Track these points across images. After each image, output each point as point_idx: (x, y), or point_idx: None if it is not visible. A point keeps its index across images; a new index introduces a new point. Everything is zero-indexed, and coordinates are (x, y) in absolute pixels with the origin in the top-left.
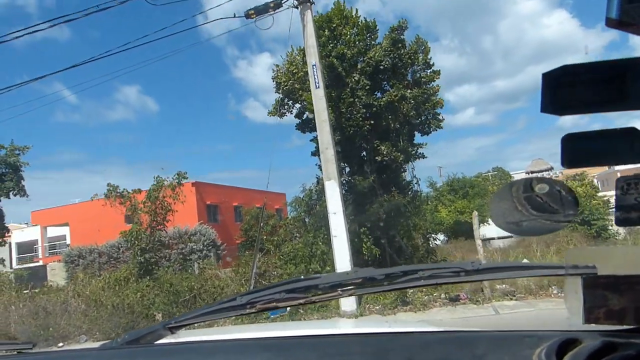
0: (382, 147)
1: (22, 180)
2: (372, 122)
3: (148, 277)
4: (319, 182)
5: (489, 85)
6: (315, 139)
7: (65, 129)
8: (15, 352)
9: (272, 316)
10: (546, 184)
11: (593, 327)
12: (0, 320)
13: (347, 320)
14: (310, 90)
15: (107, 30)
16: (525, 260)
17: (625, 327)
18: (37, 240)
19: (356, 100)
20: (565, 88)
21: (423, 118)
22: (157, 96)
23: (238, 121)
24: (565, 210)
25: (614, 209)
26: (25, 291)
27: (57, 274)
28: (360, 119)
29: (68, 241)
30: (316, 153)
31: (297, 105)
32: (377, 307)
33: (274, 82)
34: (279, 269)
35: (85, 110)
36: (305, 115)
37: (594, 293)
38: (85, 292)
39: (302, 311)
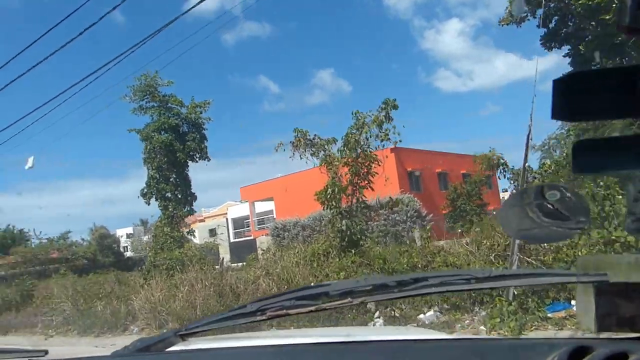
0: None
1: (204, 141)
2: None
3: (353, 251)
4: None
5: None
6: (569, 53)
7: (271, 117)
8: None
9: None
10: (557, 191)
11: (605, 334)
12: (186, 302)
13: (361, 327)
14: None
15: (301, 20)
16: None
17: (637, 334)
18: (248, 216)
19: None
20: (577, 95)
21: None
22: (350, 77)
23: (429, 93)
24: (576, 217)
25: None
26: (216, 266)
27: (265, 248)
28: None
29: (275, 215)
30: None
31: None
32: None
33: None
34: None
35: (287, 99)
36: (554, 22)
37: (606, 301)
38: (276, 269)
39: None
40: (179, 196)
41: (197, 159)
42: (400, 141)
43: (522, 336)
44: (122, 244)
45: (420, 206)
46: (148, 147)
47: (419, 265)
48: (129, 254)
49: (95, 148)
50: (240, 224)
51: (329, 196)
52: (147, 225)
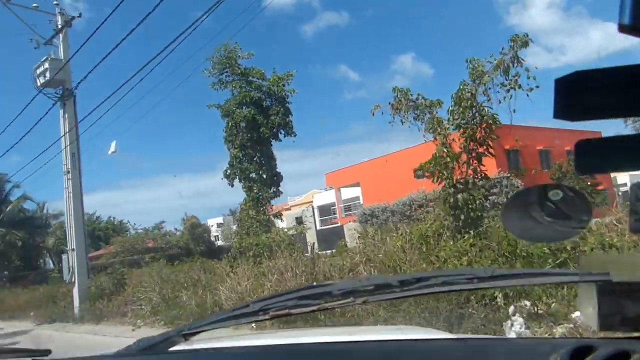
0: None
1: (289, 115)
2: None
3: (471, 232)
4: None
5: None
6: None
7: (353, 105)
8: None
9: None
10: (559, 191)
11: (607, 334)
12: (275, 292)
13: (362, 327)
14: None
15: (379, 6)
16: None
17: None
18: (334, 203)
19: None
20: (579, 94)
21: None
22: (431, 60)
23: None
24: (579, 216)
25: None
26: (306, 253)
27: (353, 234)
28: None
29: (361, 201)
30: None
31: None
32: None
33: None
34: None
35: (368, 86)
36: None
37: (609, 300)
38: (378, 254)
39: None
40: (264, 176)
41: (283, 135)
42: (537, 87)
43: (524, 336)
44: (213, 234)
45: (521, 186)
46: (230, 123)
47: (567, 248)
48: (219, 243)
49: (187, 143)
50: (326, 211)
51: (439, 165)
52: (235, 214)
